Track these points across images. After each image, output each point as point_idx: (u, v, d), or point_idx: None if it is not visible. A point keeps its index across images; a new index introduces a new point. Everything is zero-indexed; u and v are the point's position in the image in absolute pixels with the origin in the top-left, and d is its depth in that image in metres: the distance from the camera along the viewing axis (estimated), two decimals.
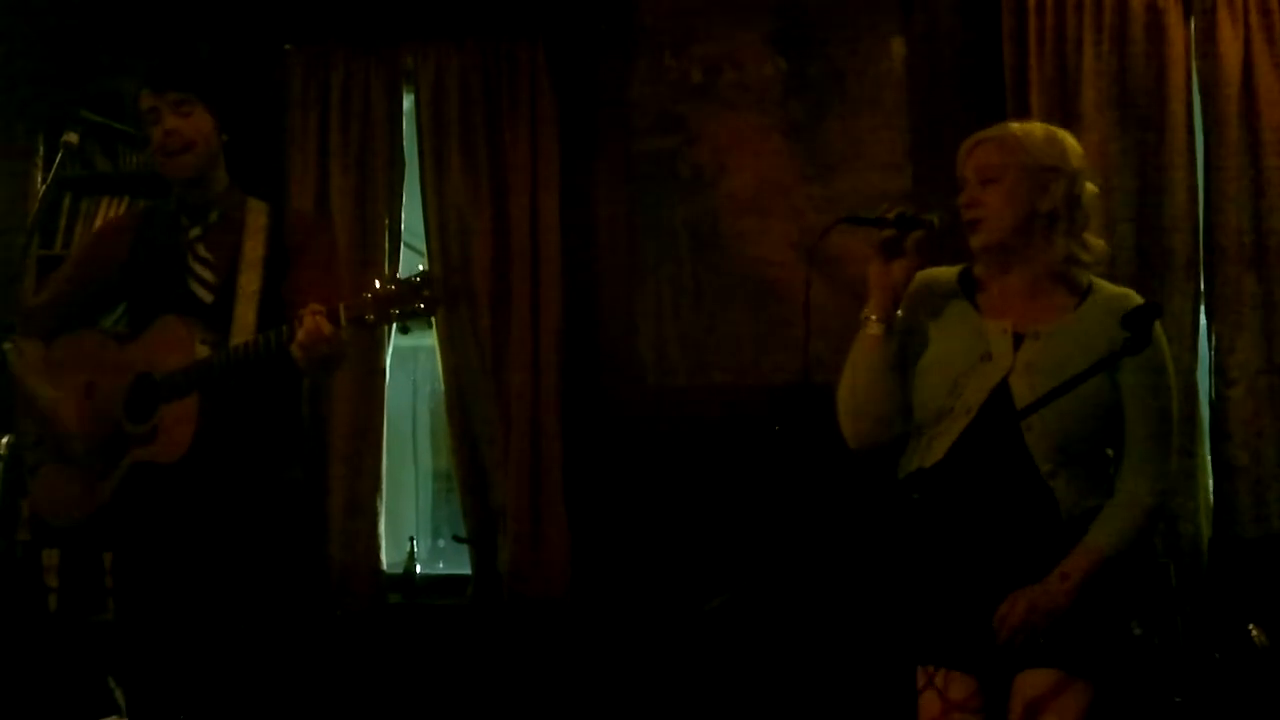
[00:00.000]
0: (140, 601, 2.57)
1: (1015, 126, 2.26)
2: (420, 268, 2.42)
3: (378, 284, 2.34)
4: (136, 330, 2.58)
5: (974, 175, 2.23)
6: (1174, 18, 3.60)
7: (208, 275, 2.58)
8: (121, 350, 2.56)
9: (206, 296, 2.57)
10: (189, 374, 2.45)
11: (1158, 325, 2.12)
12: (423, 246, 4.06)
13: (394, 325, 2.36)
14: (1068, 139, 2.27)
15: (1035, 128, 2.28)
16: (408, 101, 4.09)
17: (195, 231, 2.61)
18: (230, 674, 2.51)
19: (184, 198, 2.61)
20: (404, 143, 4.07)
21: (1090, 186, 2.26)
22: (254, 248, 2.57)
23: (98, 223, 4.12)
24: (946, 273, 2.34)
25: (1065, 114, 3.63)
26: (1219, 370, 3.56)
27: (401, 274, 2.41)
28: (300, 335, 2.32)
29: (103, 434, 2.52)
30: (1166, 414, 2.20)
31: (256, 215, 2.62)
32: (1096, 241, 2.26)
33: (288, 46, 4.06)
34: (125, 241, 2.66)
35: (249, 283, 2.53)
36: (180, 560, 2.51)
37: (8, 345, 2.62)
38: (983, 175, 2.22)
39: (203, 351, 2.46)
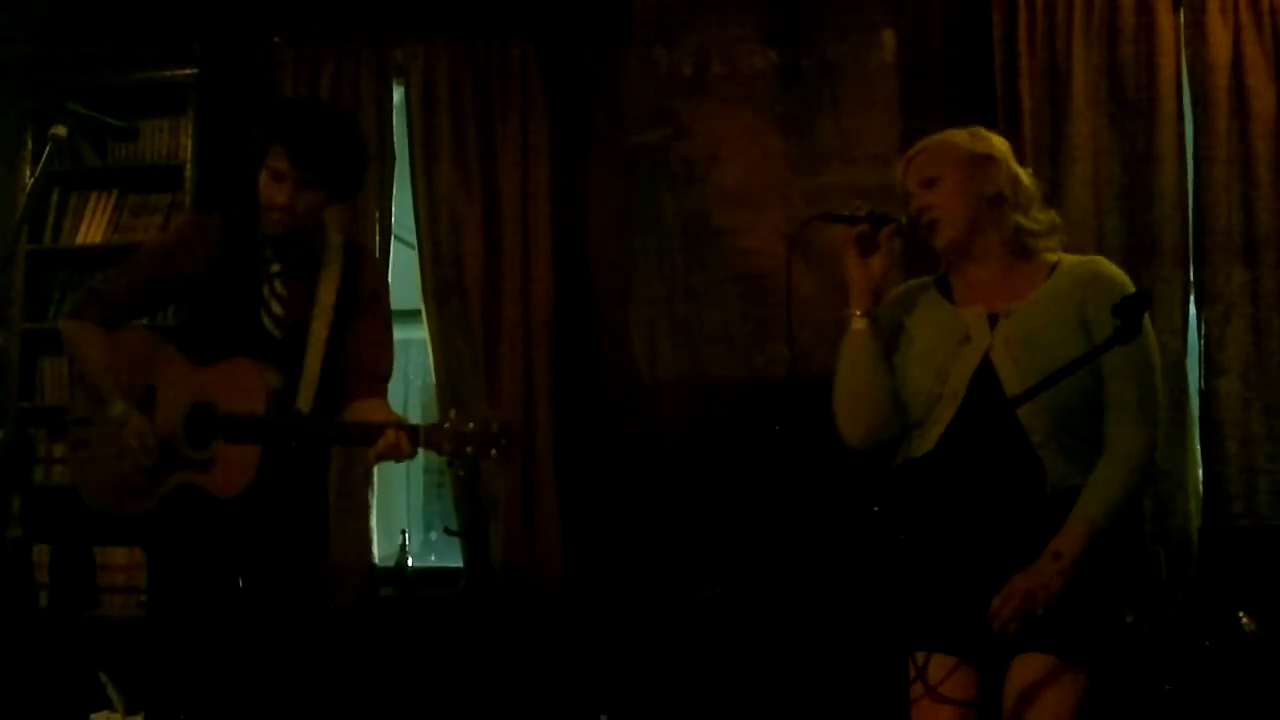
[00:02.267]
0: (173, 605, 2.65)
1: (937, 135, 2.38)
2: (501, 423, 2.50)
3: (457, 419, 2.47)
4: (205, 350, 2.60)
5: (916, 184, 2.34)
6: (1163, 9, 3.62)
7: (280, 312, 2.63)
8: (191, 371, 2.59)
9: (276, 333, 2.62)
10: (256, 425, 2.50)
11: None
12: (413, 240, 4.06)
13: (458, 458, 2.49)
14: (990, 134, 2.40)
15: (956, 130, 2.38)
16: (398, 95, 4.08)
17: (276, 267, 2.65)
18: (235, 671, 2.56)
19: (271, 231, 2.63)
20: (394, 136, 4.07)
21: (1022, 170, 2.37)
22: (327, 291, 2.63)
23: (86, 216, 4.12)
24: (921, 280, 2.45)
25: (1055, 105, 3.65)
26: (1208, 360, 3.57)
27: (479, 418, 2.49)
28: (381, 448, 2.45)
29: (158, 446, 2.54)
30: (1148, 374, 2.22)
31: (334, 255, 2.68)
32: (1043, 213, 2.34)
33: (277, 40, 4.06)
34: (208, 252, 2.66)
35: (319, 330, 2.61)
36: (217, 573, 2.58)
37: (66, 323, 2.65)
38: (923, 180, 2.33)
39: (271, 404, 2.52)
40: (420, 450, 2.49)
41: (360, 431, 2.51)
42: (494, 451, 2.45)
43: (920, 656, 2.20)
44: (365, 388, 2.63)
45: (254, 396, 2.51)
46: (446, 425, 2.46)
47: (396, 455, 2.47)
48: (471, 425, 2.45)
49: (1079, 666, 2.10)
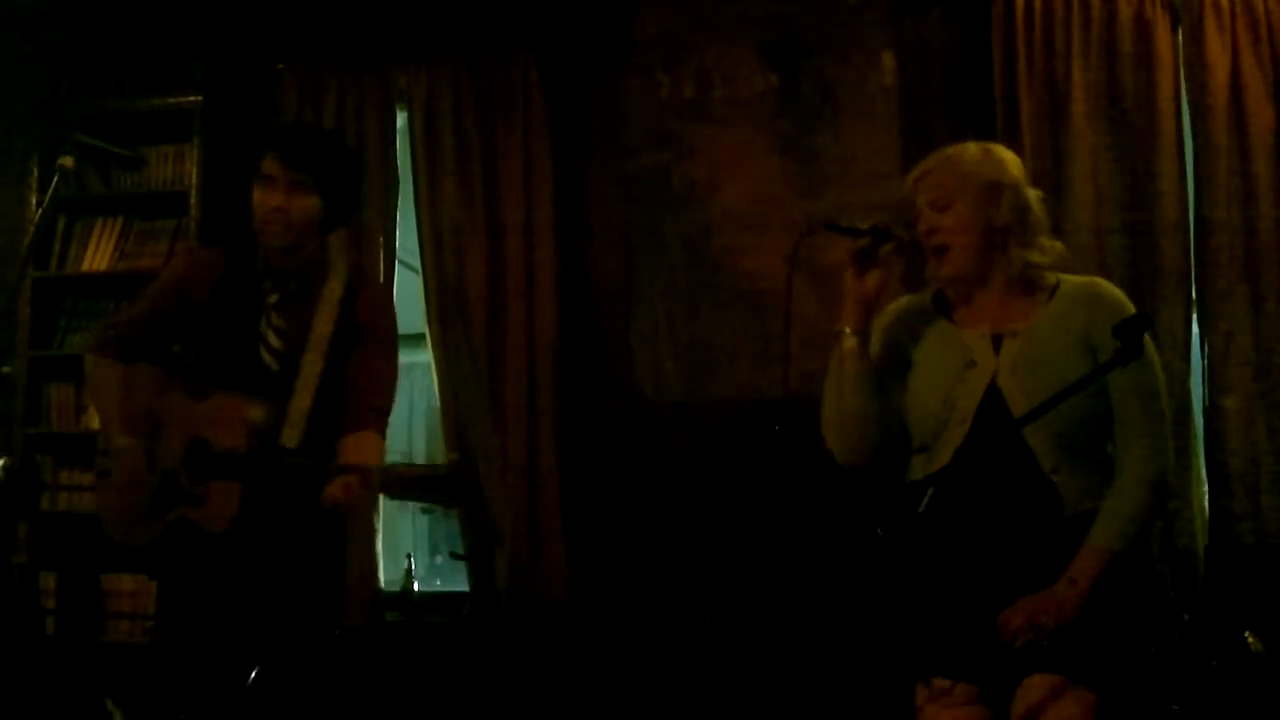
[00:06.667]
0: (180, 631, 2.65)
1: (951, 151, 2.33)
2: (452, 457, 2.54)
3: (412, 464, 2.49)
4: (205, 381, 2.61)
5: (927, 204, 2.30)
6: (1161, 28, 3.63)
7: (277, 344, 2.61)
8: (190, 405, 2.59)
9: (273, 365, 2.61)
10: (235, 462, 2.50)
11: None
12: (417, 264, 4.08)
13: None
14: (1004, 151, 2.35)
15: (970, 147, 2.33)
16: (401, 120, 4.11)
17: (273, 298, 2.63)
18: (241, 693, 2.55)
19: (270, 259, 2.63)
20: (398, 161, 4.09)
21: (1034, 192, 2.32)
22: (323, 323, 2.60)
23: (92, 243, 4.15)
24: (918, 297, 2.41)
25: (1055, 125, 3.66)
26: (1212, 378, 3.57)
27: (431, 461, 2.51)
28: (338, 493, 2.41)
29: (159, 476, 2.57)
30: (1154, 397, 2.22)
31: (333, 286, 2.65)
32: (1052, 243, 2.31)
33: (281, 66, 4.09)
34: (209, 283, 2.67)
35: (312, 363, 2.58)
36: (217, 607, 2.58)
37: (89, 358, 2.69)
38: (936, 203, 2.28)
39: (253, 440, 2.50)
40: (374, 488, 2.46)
41: (321, 472, 2.46)
42: (443, 498, 2.46)
43: (938, 684, 2.18)
44: (360, 421, 2.57)
45: (235, 432, 2.50)
46: (399, 470, 2.47)
47: (353, 503, 2.43)
48: (424, 473, 2.46)
49: (1088, 685, 2.08)
